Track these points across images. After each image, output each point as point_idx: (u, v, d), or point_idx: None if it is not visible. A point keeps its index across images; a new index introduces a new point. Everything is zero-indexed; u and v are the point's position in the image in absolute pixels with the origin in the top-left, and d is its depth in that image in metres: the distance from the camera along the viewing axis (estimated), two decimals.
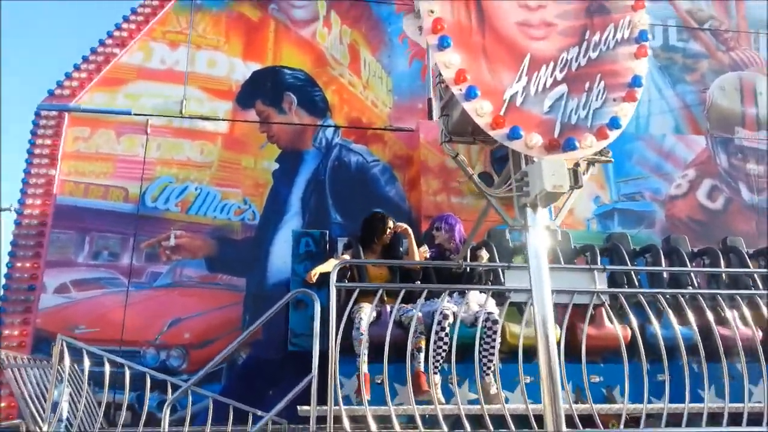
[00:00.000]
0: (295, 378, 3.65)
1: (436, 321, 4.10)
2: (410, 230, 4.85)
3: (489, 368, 4.19)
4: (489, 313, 4.28)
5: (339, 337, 3.60)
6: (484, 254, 4.98)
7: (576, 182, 3.15)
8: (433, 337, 4.14)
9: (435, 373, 4.14)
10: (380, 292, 3.94)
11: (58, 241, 6.31)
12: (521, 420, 3.71)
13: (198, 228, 6.56)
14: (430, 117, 7.20)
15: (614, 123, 3.36)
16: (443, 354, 4.17)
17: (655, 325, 4.00)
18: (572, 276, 4.39)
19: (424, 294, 4.16)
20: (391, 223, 4.88)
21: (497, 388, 3.96)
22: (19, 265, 6.20)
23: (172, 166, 6.71)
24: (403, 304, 4.31)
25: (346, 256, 4.78)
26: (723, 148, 7.58)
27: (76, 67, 6.85)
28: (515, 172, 3.30)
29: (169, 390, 4.41)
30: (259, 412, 4.26)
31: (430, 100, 7.34)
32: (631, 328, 4.11)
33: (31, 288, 6.16)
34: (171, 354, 6.11)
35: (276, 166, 6.87)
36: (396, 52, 7.53)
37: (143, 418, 4.28)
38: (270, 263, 6.56)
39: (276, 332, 5.69)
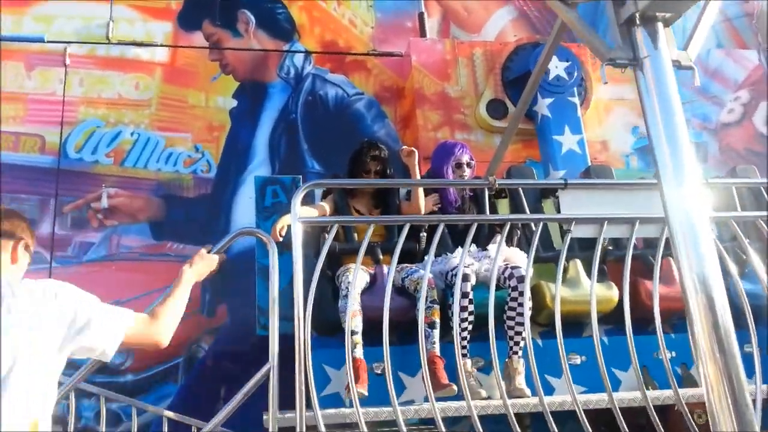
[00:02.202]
0: None
1: (457, 287, 2.90)
2: (416, 153, 3.56)
3: (517, 344, 3.11)
4: (514, 268, 3.18)
5: (310, 303, 2.31)
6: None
7: None
8: (456, 306, 2.90)
9: (464, 355, 2.98)
10: (370, 228, 2.69)
11: None
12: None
13: (137, 184, 5.20)
14: (423, 34, 5.83)
15: None
16: (470, 328, 3.05)
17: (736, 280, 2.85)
18: (636, 200, 3.06)
19: (434, 247, 2.90)
20: (375, 153, 3.65)
21: (532, 374, 2.72)
22: None
23: (99, 105, 5.31)
24: (406, 264, 3.31)
25: (325, 204, 3.58)
26: None
27: None
28: None
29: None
30: (204, 425, 2.91)
31: (421, 14, 5.98)
32: None
33: None
34: None
35: (234, 103, 5.52)
36: None
37: None
38: (232, 226, 5.24)
39: (246, 314, 4.39)
